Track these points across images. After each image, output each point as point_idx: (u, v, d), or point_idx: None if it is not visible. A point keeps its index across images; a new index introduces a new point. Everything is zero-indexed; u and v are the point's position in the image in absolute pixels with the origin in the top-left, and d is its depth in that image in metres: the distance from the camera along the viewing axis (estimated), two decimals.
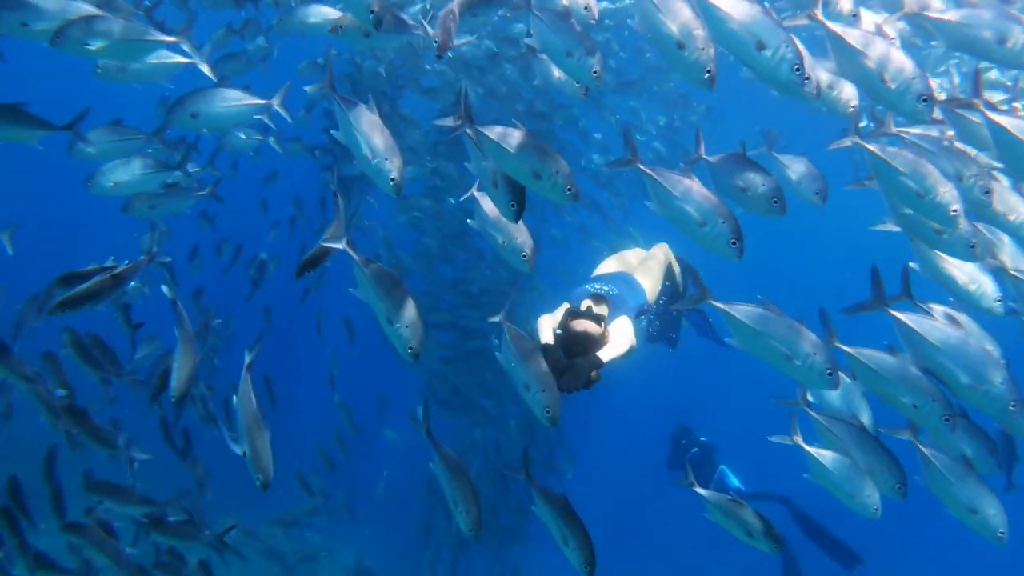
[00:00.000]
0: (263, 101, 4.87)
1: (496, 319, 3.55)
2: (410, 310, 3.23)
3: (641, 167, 3.56)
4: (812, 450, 3.96)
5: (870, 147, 3.77)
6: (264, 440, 3.36)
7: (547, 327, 4.15)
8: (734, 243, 3.46)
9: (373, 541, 10.56)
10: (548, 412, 3.37)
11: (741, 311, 3.60)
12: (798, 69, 3.41)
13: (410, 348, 3.24)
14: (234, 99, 4.79)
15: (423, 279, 9.82)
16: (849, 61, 3.73)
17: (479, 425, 10.58)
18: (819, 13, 3.74)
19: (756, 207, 3.78)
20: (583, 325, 3.96)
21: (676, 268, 5.39)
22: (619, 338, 4.00)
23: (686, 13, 3.33)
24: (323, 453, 9.97)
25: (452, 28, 3.50)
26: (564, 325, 4.00)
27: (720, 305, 3.64)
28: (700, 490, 4.26)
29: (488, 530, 10.25)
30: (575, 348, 3.84)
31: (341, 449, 10.17)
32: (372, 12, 3.15)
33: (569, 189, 3.36)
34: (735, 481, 10.72)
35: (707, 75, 3.35)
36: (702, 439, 11.26)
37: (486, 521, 10.39)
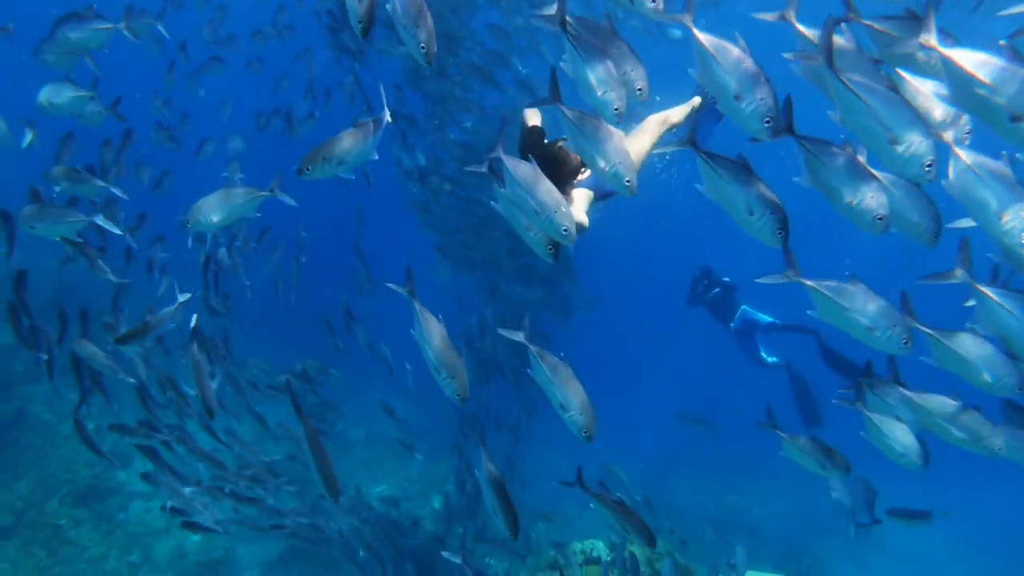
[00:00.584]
0: (113, 25, 5.24)
1: (520, 339, 3.65)
2: (457, 364, 3.60)
3: (697, 151, 3.39)
4: (873, 416, 4.14)
5: (962, 155, 3.35)
6: (328, 461, 3.76)
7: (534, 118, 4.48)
8: (780, 233, 3.40)
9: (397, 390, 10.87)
10: (586, 433, 3.58)
11: (827, 287, 3.71)
12: (930, 166, 3.11)
13: (458, 395, 3.62)
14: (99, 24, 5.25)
15: (433, 144, 9.51)
16: (969, 95, 3.09)
17: (491, 275, 10.69)
18: (932, 40, 3.15)
19: (854, 217, 3.40)
20: (567, 151, 4.11)
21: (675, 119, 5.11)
22: (581, 212, 4.13)
23: (744, 63, 3.18)
24: (346, 307, 10.15)
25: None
26: (550, 143, 4.16)
27: (808, 283, 3.70)
28: (781, 434, 4.59)
29: (515, 398, 10.91)
30: (553, 164, 4.02)
31: (360, 294, 10.44)
32: (360, 23, 3.26)
33: (628, 182, 3.56)
34: (764, 317, 10.77)
35: (767, 124, 3.20)
36: (724, 279, 11.22)
37: (511, 393, 10.75)
